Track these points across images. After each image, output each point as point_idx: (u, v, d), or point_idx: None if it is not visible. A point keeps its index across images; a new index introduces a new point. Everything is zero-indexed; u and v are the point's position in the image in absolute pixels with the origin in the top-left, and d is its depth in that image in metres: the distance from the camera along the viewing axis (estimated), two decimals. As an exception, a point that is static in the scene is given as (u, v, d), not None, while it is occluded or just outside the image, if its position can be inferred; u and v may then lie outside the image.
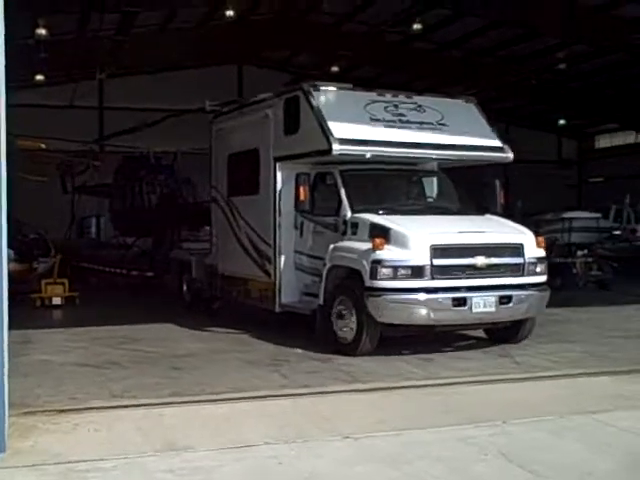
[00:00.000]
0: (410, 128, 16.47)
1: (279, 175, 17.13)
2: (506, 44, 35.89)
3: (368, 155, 15.92)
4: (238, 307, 19.90)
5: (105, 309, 22.22)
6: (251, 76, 40.10)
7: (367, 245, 14.73)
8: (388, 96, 16.84)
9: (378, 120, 16.31)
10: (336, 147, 15.44)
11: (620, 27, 31.53)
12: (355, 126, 16.05)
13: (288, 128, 16.88)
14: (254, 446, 8.91)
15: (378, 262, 14.47)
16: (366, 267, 14.57)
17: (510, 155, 17.12)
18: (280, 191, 17.11)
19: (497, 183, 17.19)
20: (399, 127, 16.40)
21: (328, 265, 15.61)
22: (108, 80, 38.21)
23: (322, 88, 16.39)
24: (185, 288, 22.18)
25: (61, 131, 33.04)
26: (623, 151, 46.41)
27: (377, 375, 13.26)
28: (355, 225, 15.49)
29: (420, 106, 16.89)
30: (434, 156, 16.82)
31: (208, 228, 22.09)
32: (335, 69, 38.27)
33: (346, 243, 15.46)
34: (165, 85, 39.24)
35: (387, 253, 14.50)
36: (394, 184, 17.30)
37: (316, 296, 16.20)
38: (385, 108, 16.55)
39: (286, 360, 14.60)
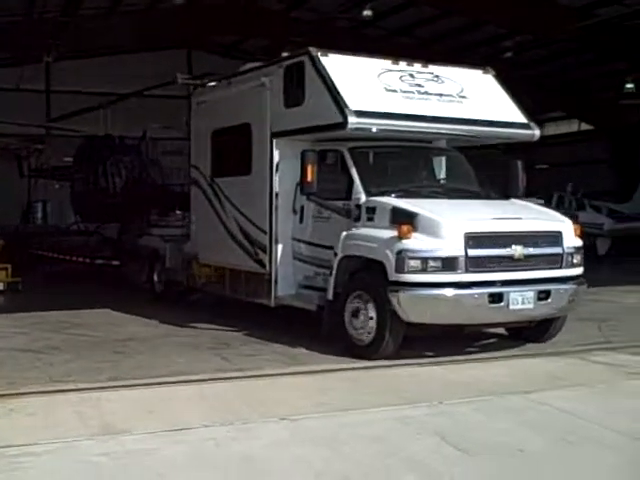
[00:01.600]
0: (429, 100, 13.40)
1: (276, 153, 13.94)
2: (455, 32, 33.09)
3: (374, 129, 12.81)
4: (221, 300, 16.70)
5: (53, 296, 19.73)
6: (201, 61, 36.42)
7: (390, 233, 11.79)
8: (402, 64, 13.76)
9: (394, 91, 13.25)
10: (352, 120, 12.38)
11: (565, 16, 29.05)
12: (370, 97, 13.04)
13: (290, 99, 13.72)
14: (191, 429, 8.26)
15: (405, 252, 11.53)
16: (390, 258, 11.62)
17: (537, 132, 14.17)
18: (277, 171, 13.94)
19: (519, 164, 14.14)
20: (418, 99, 13.33)
21: (340, 255, 12.56)
22: (56, 63, 34.43)
23: (331, 54, 13.21)
24: (156, 278, 18.71)
25: (7, 114, 29.12)
26: (567, 139, 44.07)
27: (318, 357, 12.16)
28: (372, 210, 12.47)
29: (437, 76, 13.84)
30: (457, 132, 13.65)
31: (179, 213, 18.74)
32: (286, 55, 34.88)
33: (362, 230, 12.45)
34: (114, 69, 35.37)
35: (415, 242, 11.58)
36: (409, 164, 14.20)
37: (318, 289, 13.33)
38: (400, 78, 13.51)
39: (228, 343, 13.30)
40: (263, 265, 14.16)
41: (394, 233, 11.65)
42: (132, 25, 33.17)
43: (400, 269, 11.51)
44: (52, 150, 29.11)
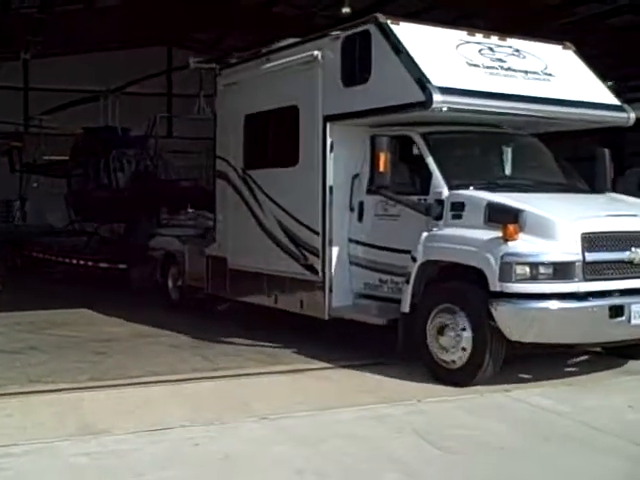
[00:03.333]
0: (515, 77, 10.53)
1: (330, 140, 10.92)
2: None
3: (444, 108, 9.65)
4: (255, 310, 13.31)
5: (36, 297, 17.17)
6: (181, 58, 33.04)
7: (489, 233, 9.00)
8: (479, 36, 10.85)
9: (477, 65, 10.39)
10: (438, 98, 9.51)
11: (546, 13, 26.34)
12: (452, 72, 10.15)
13: (350, 76, 10.73)
14: (171, 429, 7.58)
15: (513, 257, 8.73)
16: (493, 264, 8.80)
17: (632, 115, 11.27)
18: (332, 161, 10.96)
19: (607, 153, 11.29)
20: (503, 75, 10.46)
21: (420, 260, 9.64)
22: (34, 60, 30.99)
23: (402, 22, 10.25)
24: (171, 284, 15.47)
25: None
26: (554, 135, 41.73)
27: (298, 357, 10.98)
28: (459, 206, 9.63)
29: (518, 51, 10.98)
30: (549, 114, 10.62)
31: (191, 211, 15.60)
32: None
33: (450, 231, 9.57)
34: (93, 66, 31.70)
35: (525, 245, 8.81)
36: (489, 152, 11.15)
37: (383, 300, 10.54)
38: (480, 51, 10.63)
39: (210, 343, 11.93)
40: (314, 271, 11.21)
41: (495, 234, 8.87)
42: (111, 22, 29.69)
43: (506, 277, 8.72)
44: (45, 146, 25.59)
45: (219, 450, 7.05)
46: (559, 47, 11.58)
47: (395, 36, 9.96)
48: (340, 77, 10.75)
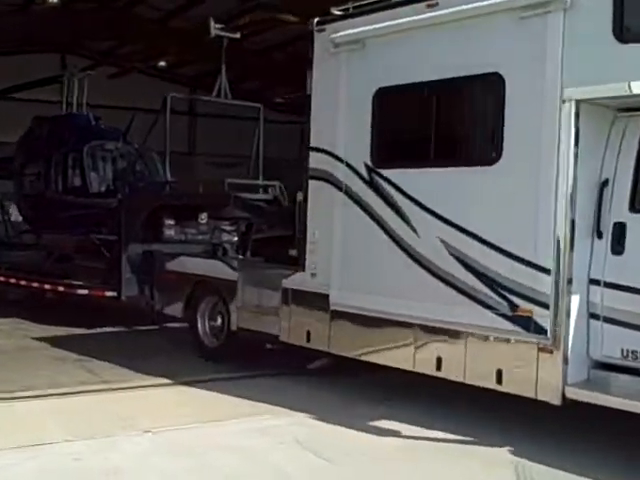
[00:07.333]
0: None
1: (574, 128, 5.58)
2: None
3: None
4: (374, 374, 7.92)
5: None
6: (76, 66, 26.24)
7: None
8: None
9: None
10: None
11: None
12: None
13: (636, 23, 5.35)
14: (51, 444, 5.96)
15: None
16: None
17: None
18: (574, 161, 5.64)
19: None
20: None
21: None
22: None
23: None
24: (203, 326, 9.16)
25: None
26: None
27: (184, 370, 8.42)
28: None
29: None
30: None
31: (203, 220, 9.67)
32: (162, 64, 27.22)
33: None
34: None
35: None
36: None
37: None
38: None
39: (95, 356, 9.11)
40: (534, 328, 5.83)
41: None
42: (3, 26, 23.16)
43: None
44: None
45: (100, 465, 5.54)
46: None
47: None
48: (611, 27, 5.45)
